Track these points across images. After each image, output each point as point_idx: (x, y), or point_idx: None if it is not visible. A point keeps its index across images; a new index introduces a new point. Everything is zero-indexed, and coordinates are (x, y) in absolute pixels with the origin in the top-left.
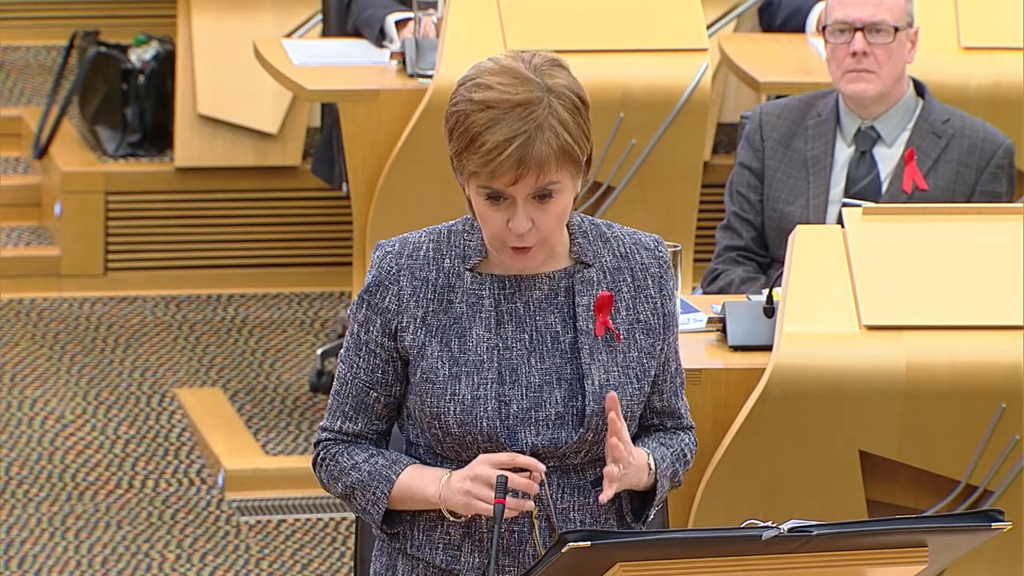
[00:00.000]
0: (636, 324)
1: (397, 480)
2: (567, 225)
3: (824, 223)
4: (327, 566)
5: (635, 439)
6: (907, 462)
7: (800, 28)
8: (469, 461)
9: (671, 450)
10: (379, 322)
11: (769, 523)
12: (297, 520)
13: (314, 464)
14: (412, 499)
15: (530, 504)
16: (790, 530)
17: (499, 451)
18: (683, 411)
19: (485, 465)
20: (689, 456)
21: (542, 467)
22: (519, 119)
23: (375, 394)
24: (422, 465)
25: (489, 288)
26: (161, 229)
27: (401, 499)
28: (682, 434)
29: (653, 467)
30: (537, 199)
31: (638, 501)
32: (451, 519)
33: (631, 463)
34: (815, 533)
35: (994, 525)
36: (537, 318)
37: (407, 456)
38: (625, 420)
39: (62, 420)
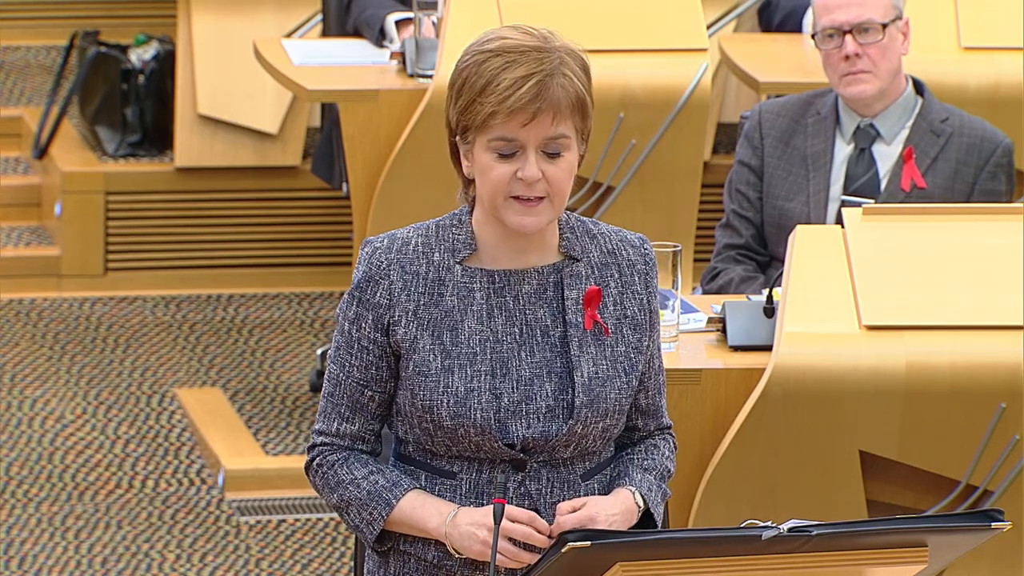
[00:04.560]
0: (624, 319)
1: (397, 505)
2: (556, 221)
3: (824, 220)
4: (327, 566)
5: (612, 460)
6: (907, 462)
7: (796, 29)
8: (459, 455)
9: (654, 472)
10: (371, 318)
11: (769, 523)
12: (297, 520)
13: (307, 468)
14: (410, 527)
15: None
16: (790, 530)
17: (490, 443)
18: (664, 409)
19: (504, 519)
20: (671, 466)
21: (544, 525)
22: (535, 61)
23: (369, 392)
24: (423, 492)
25: (479, 282)
26: (161, 229)
27: (398, 524)
28: (660, 444)
29: (643, 504)
30: (547, 155)
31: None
32: (455, 554)
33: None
34: (815, 533)
35: (994, 525)
36: (527, 312)
37: (407, 479)
38: (614, 414)
39: (62, 420)
